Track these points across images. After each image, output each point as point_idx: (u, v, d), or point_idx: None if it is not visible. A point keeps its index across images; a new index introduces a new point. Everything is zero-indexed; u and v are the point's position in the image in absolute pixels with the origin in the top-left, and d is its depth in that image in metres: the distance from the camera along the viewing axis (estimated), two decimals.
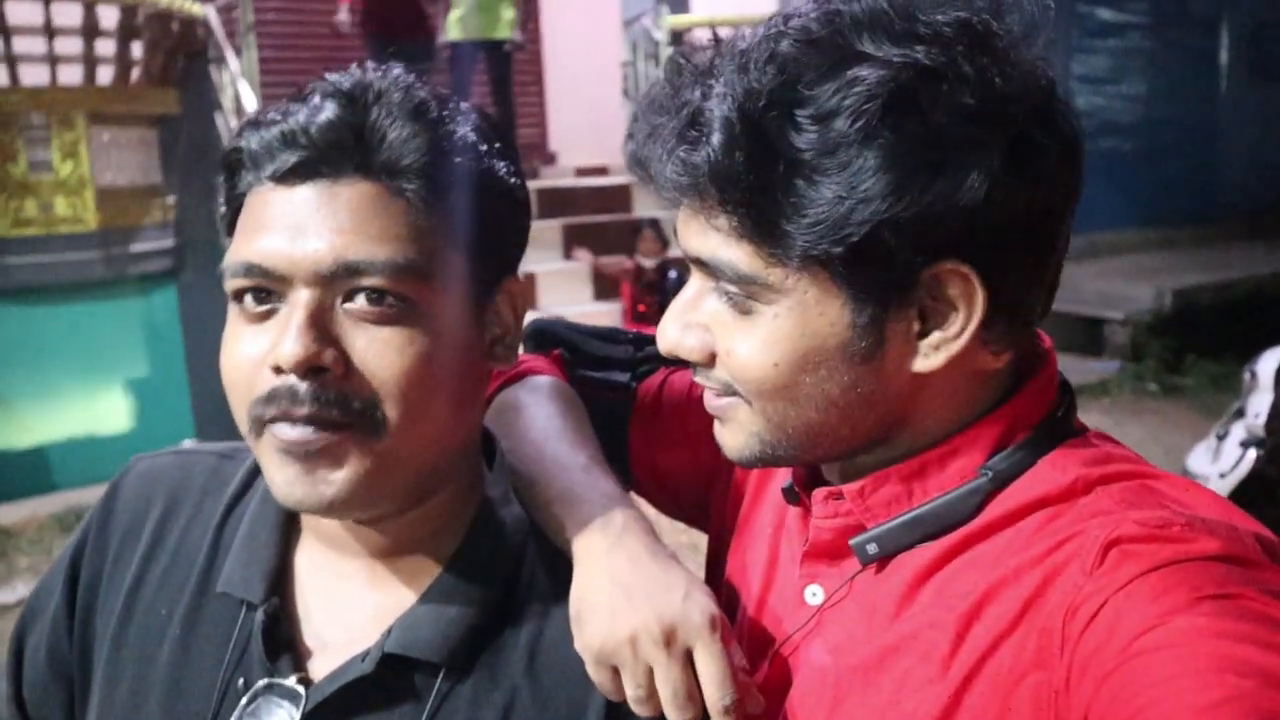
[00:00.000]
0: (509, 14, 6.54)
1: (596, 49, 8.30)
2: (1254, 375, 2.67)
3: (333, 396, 0.72)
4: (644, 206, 6.84)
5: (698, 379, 0.78)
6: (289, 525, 0.86)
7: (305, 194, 0.74)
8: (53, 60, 5.43)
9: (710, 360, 0.75)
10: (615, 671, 0.75)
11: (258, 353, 0.74)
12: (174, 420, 5.60)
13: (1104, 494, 0.69)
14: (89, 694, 0.87)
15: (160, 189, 5.69)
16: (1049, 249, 0.72)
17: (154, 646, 0.84)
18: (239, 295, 0.75)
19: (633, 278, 6.01)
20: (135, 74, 5.65)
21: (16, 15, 5.36)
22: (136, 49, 5.61)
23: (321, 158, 0.74)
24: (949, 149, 0.65)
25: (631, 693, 0.75)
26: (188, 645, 0.83)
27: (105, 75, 5.58)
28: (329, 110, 0.75)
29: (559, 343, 1.06)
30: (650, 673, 0.74)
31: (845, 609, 0.77)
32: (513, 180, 0.82)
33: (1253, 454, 2.61)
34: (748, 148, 0.66)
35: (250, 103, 5.47)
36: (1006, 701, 0.65)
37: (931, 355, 0.71)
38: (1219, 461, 2.79)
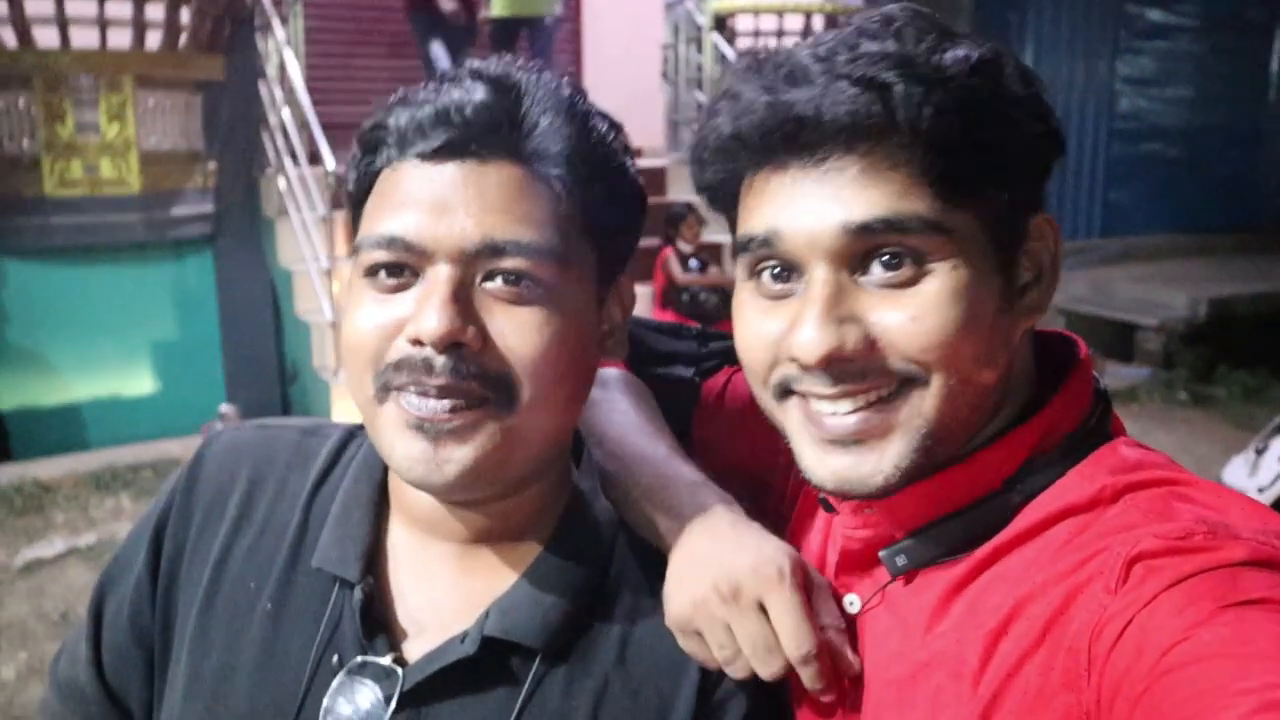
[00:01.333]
0: None
1: (637, 30, 8.25)
2: None
3: (472, 369, 0.73)
4: (679, 190, 6.83)
5: (834, 388, 0.70)
6: (381, 504, 0.87)
7: (452, 172, 0.75)
8: (102, 24, 5.46)
9: (871, 352, 0.70)
10: (702, 640, 0.77)
11: (389, 322, 0.75)
12: (207, 384, 5.66)
13: (1130, 504, 0.68)
14: (170, 663, 0.88)
15: (202, 155, 5.73)
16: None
17: (243, 620, 0.85)
18: (373, 270, 0.76)
19: (672, 262, 5.98)
20: (183, 39, 5.68)
21: None
22: (185, 14, 5.64)
23: (474, 137, 0.75)
24: (1046, 107, 0.73)
25: (718, 654, 0.77)
26: (279, 620, 0.84)
27: (153, 40, 5.61)
28: (482, 92, 0.76)
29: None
30: (729, 631, 0.75)
31: (879, 618, 0.78)
32: (639, 180, 0.84)
33: None
34: (938, 88, 0.68)
35: (295, 72, 5.49)
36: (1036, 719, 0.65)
37: (1035, 313, 0.74)
38: (1257, 475, 2.75)
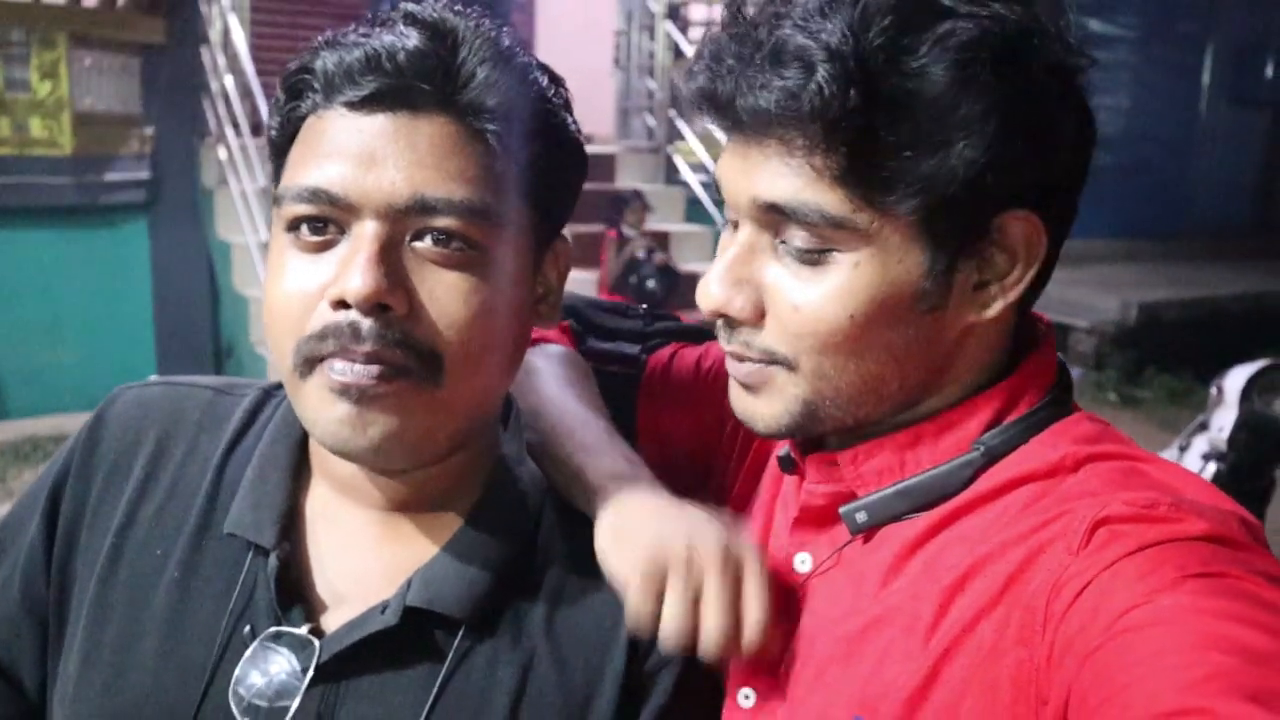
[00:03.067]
0: None
1: (590, 17, 8.21)
2: (1220, 390, 2.73)
3: (398, 336, 0.70)
4: (627, 177, 6.82)
5: (732, 345, 0.75)
6: (300, 469, 0.83)
7: (382, 123, 0.71)
8: None
9: (758, 320, 0.73)
10: (657, 597, 0.73)
11: (314, 285, 0.71)
12: (137, 355, 5.51)
13: (1091, 473, 0.69)
14: (65, 633, 0.82)
15: (139, 119, 5.57)
16: (1077, 206, 0.76)
17: (148, 588, 0.80)
18: (294, 224, 0.72)
19: (615, 248, 5.99)
20: None
21: None
22: None
23: (406, 86, 0.71)
24: (1044, 100, 0.68)
25: (675, 610, 0.73)
26: (186, 588, 0.79)
27: None
28: (415, 39, 0.72)
29: (570, 314, 1.07)
30: (695, 600, 0.73)
31: (833, 578, 0.78)
32: (578, 136, 0.81)
33: (1214, 467, 2.68)
34: (859, 83, 0.65)
35: (239, 37, 5.35)
36: (987, 678, 0.65)
37: (990, 305, 0.72)
38: None
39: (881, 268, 0.69)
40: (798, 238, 0.70)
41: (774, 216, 0.71)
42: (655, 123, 7.18)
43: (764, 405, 0.75)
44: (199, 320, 5.81)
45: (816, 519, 0.80)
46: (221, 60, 5.60)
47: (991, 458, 0.73)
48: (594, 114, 7.86)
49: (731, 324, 0.74)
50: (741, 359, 0.75)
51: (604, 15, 8.08)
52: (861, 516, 0.76)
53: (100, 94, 5.34)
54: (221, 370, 5.74)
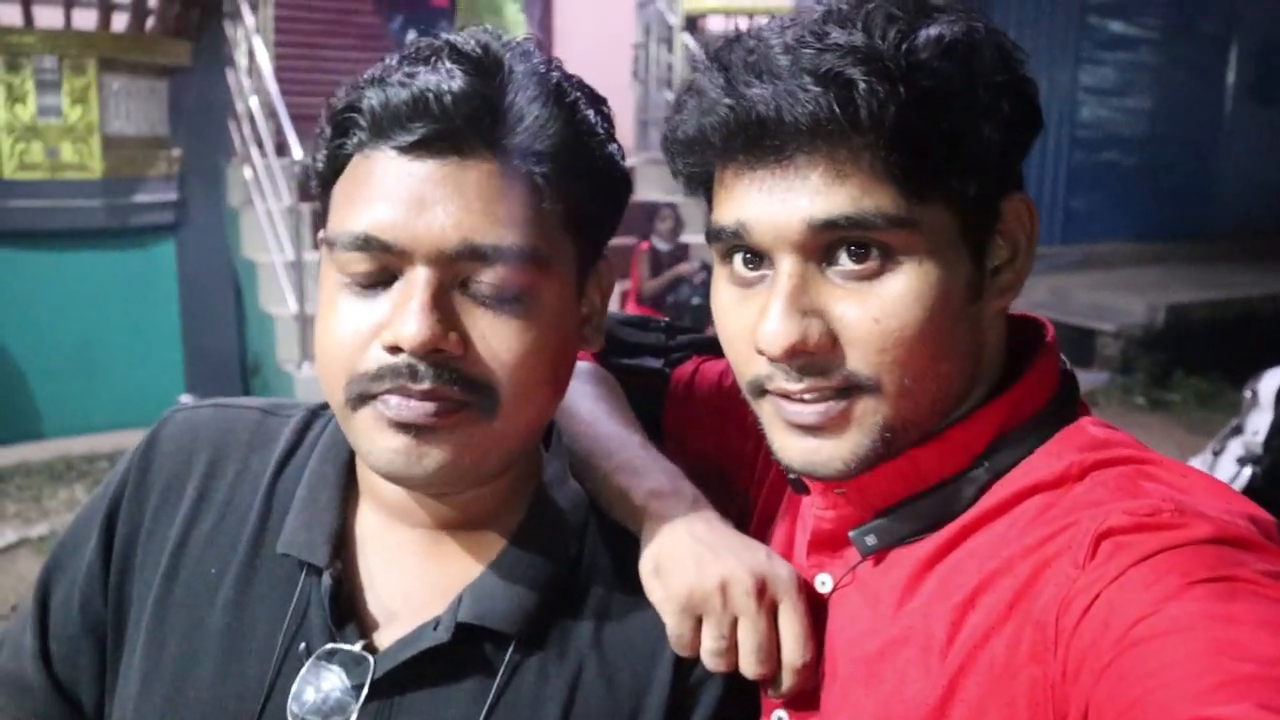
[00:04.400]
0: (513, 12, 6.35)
1: (608, 30, 8.25)
2: (1254, 394, 2.70)
3: (454, 375, 0.71)
4: (648, 189, 6.83)
5: (804, 384, 0.71)
6: (349, 488, 0.84)
7: (430, 168, 0.71)
8: (68, 4, 5.36)
9: (833, 348, 0.70)
10: (696, 625, 0.76)
11: (365, 326, 0.72)
12: (166, 375, 5.57)
13: (1097, 481, 0.69)
14: (123, 651, 0.84)
15: (166, 141, 5.64)
16: None
17: (204, 607, 0.81)
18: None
19: (647, 260, 6.00)
20: (150, 23, 5.59)
21: None
22: None
23: (454, 131, 0.71)
24: (1026, 85, 0.72)
25: (711, 645, 0.76)
26: (242, 607, 0.81)
27: (120, 22, 5.51)
28: (460, 79, 0.71)
29: None
30: (733, 625, 0.75)
31: (850, 598, 0.78)
32: (623, 163, 0.81)
33: (1249, 471, 2.65)
34: (894, 84, 0.66)
35: (264, 60, 5.42)
36: (1003, 695, 0.65)
37: (1010, 290, 0.74)
38: (1215, 476, 2.81)
39: (942, 263, 0.70)
40: (846, 254, 0.70)
41: (828, 235, 0.69)
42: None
43: (841, 444, 0.72)
44: (226, 339, 5.87)
45: (829, 542, 0.80)
46: (246, 82, 5.66)
47: (997, 472, 0.73)
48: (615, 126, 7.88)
49: (801, 363, 0.71)
50: (819, 398, 0.71)
51: (622, 28, 8.12)
52: (871, 540, 0.76)
53: (129, 117, 5.42)
54: (249, 388, 5.80)
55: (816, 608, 0.79)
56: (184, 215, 5.72)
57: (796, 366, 0.71)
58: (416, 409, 0.71)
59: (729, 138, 0.70)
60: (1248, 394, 2.71)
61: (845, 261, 0.70)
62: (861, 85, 0.66)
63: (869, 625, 0.75)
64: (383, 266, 0.72)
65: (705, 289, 5.70)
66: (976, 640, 0.68)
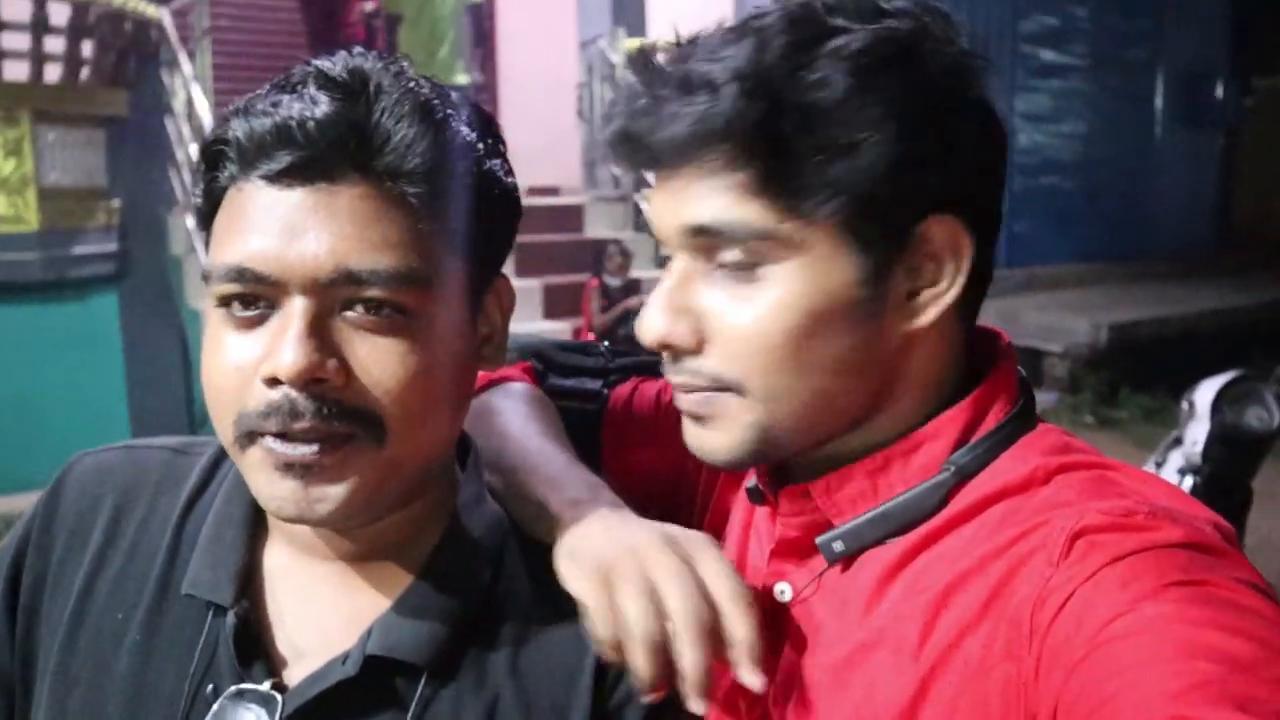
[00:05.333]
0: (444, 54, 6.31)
1: (551, 70, 8.31)
2: (1192, 405, 2.74)
3: (335, 408, 0.69)
4: (595, 227, 6.87)
5: (679, 377, 0.75)
6: (256, 525, 0.82)
7: (300, 196, 0.69)
8: None
9: (701, 347, 0.73)
10: (613, 604, 0.70)
11: (247, 362, 0.70)
12: (112, 428, 5.45)
13: (1064, 484, 0.69)
14: (31, 705, 0.81)
15: (105, 192, 5.58)
16: (1000, 213, 0.77)
17: (110, 653, 0.79)
18: (225, 301, 0.71)
19: (598, 296, 6.05)
20: (84, 73, 5.54)
21: None
22: (87, 47, 5.51)
23: (320, 158, 0.69)
24: (940, 101, 0.71)
25: (633, 610, 0.69)
26: (149, 651, 0.79)
27: (53, 73, 5.46)
28: (325, 104, 0.70)
29: (532, 355, 1.07)
30: (652, 594, 0.70)
31: (814, 606, 0.77)
32: (509, 179, 0.80)
33: (1190, 481, 2.68)
34: (765, 97, 0.67)
35: (203, 108, 5.39)
36: (976, 694, 0.65)
37: (924, 313, 0.73)
38: None
39: (813, 276, 0.70)
40: (728, 257, 0.71)
41: (704, 240, 0.72)
42: (621, 172, 7.25)
43: (719, 436, 0.75)
44: (172, 389, 5.78)
45: (793, 550, 0.79)
46: (186, 130, 5.63)
47: (963, 476, 0.73)
48: (561, 165, 7.92)
49: (676, 354, 0.74)
50: (689, 389, 0.74)
51: (565, 68, 8.18)
52: (838, 546, 0.76)
53: (66, 168, 5.36)
54: (196, 436, 5.69)
55: (776, 618, 0.78)
56: (125, 266, 5.65)
57: (672, 358, 0.74)
58: (300, 452, 0.69)
59: (624, 149, 0.74)
60: (1185, 405, 2.75)
61: (726, 261, 0.72)
62: (723, 102, 0.68)
63: (836, 632, 0.75)
64: (259, 297, 0.70)
65: None
66: (950, 639, 0.67)
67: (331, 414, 0.69)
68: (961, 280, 0.73)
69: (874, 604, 0.73)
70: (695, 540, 0.75)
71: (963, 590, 0.68)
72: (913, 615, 0.70)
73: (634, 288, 6.17)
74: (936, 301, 0.73)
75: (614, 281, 6.10)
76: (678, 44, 0.75)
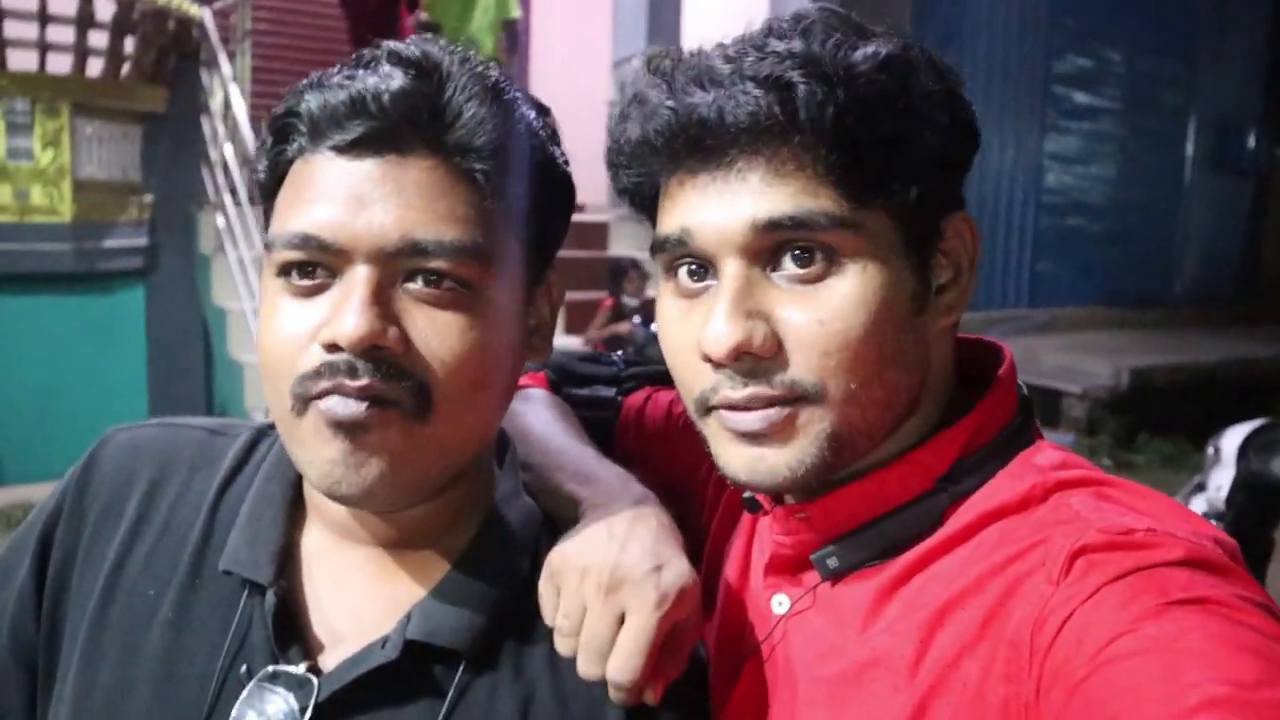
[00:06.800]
0: (489, 43, 6.43)
1: (583, 87, 8.36)
2: (1218, 450, 2.74)
3: (393, 370, 0.70)
4: (620, 245, 6.89)
5: (748, 390, 0.70)
6: (295, 508, 0.82)
7: (370, 167, 0.70)
8: (43, 47, 5.37)
9: (778, 352, 0.70)
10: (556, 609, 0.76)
11: (306, 328, 0.71)
12: (131, 420, 5.48)
13: (1062, 501, 0.69)
14: (56, 680, 0.81)
15: (139, 187, 5.64)
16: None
17: (141, 630, 0.78)
18: (285, 269, 0.72)
19: (608, 316, 6.05)
20: (125, 69, 5.61)
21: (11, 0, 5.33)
22: (129, 44, 5.58)
23: (392, 129, 0.70)
24: (962, 103, 0.74)
25: (559, 621, 0.75)
26: (180, 629, 0.78)
27: (95, 67, 5.53)
28: (400, 79, 0.71)
29: (547, 366, 1.08)
30: (581, 611, 0.73)
31: (809, 620, 0.77)
32: (566, 168, 0.81)
33: None
34: (832, 88, 0.68)
35: (240, 108, 5.44)
36: (976, 715, 0.65)
37: (954, 309, 0.75)
38: None
39: (886, 268, 0.70)
40: (791, 257, 0.70)
41: (775, 235, 0.69)
42: (618, 185, 7.24)
43: (784, 453, 0.71)
44: (193, 386, 5.81)
45: (788, 566, 0.80)
46: (221, 129, 5.69)
47: (959, 495, 0.73)
48: (587, 184, 7.94)
49: (746, 367, 0.70)
50: (754, 404, 0.70)
51: (597, 87, 8.24)
52: (833, 562, 0.76)
53: (101, 162, 5.42)
54: None
55: (773, 629, 0.78)
56: (154, 261, 5.69)
57: (742, 371, 0.70)
58: (352, 407, 0.69)
59: (671, 141, 0.71)
60: (1211, 450, 2.74)
61: (789, 265, 0.70)
62: (801, 87, 0.67)
63: (832, 646, 0.74)
64: (319, 265, 0.71)
65: (643, 348, 5.80)
66: (948, 660, 0.67)
67: (389, 375, 0.69)
68: (974, 276, 0.75)
69: (871, 622, 0.73)
70: (643, 598, 0.73)
71: (960, 609, 0.68)
72: (908, 633, 0.70)
73: (650, 308, 6.18)
74: (962, 297, 0.75)
75: (632, 301, 6.10)
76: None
